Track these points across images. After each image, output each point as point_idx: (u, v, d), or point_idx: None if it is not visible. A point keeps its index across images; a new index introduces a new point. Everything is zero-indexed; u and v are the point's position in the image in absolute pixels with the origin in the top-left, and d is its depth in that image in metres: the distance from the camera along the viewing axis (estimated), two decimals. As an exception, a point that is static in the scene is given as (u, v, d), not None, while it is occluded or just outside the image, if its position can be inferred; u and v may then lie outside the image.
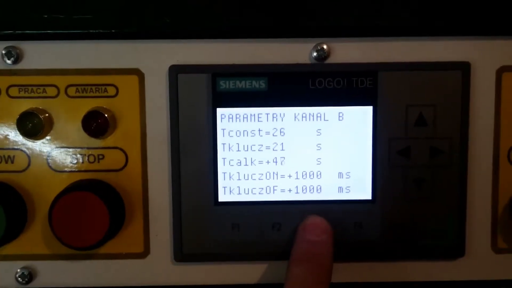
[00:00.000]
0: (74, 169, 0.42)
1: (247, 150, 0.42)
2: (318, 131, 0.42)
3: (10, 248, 0.42)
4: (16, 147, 0.42)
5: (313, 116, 0.41)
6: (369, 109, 0.41)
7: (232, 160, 0.42)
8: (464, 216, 0.42)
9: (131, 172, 0.42)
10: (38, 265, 0.43)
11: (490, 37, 0.41)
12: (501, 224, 0.43)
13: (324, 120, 0.42)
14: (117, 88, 0.41)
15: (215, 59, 0.41)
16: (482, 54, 0.42)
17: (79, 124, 0.41)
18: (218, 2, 0.40)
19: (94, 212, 0.39)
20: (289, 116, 0.41)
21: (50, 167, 0.42)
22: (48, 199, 0.41)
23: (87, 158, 0.42)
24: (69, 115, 0.41)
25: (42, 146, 0.42)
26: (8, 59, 0.41)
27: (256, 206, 0.42)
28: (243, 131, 0.42)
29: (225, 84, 0.41)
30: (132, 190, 0.42)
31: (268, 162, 0.42)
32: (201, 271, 0.43)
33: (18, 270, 0.43)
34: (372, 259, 0.43)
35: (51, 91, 0.41)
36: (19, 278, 0.43)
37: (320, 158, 0.42)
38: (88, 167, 0.42)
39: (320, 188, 0.42)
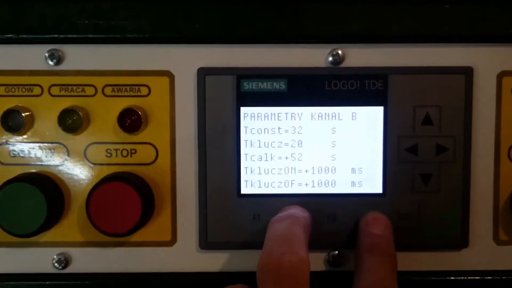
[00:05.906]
0: (108, 162, 0.44)
1: (268, 147, 0.44)
2: (333, 129, 0.44)
3: (48, 236, 0.45)
4: (56, 141, 0.44)
5: (328, 115, 0.44)
6: (380, 109, 0.44)
7: (254, 155, 0.44)
8: (467, 209, 0.44)
9: (161, 166, 0.44)
10: (73, 251, 0.45)
11: (491, 44, 0.44)
12: (502, 217, 0.45)
13: (339, 119, 0.44)
14: (149, 88, 0.44)
15: (239, 62, 0.44)
16: (484, 60, 0.44)
17: (114, 121, 0.43)
18: (244, 10, 0.43)
19: (128, 201, 0.41)
20: (307, 115, 0.44)
21: (87, 160, 0.44)
22: (84, 190, 0.44)
23: (120, 152, 0.44)
24: (105, 112, 0.44)
25: (80, 141, 0.44)
26: (51, 61, 0.43)
27: (275, 198, 0.44)
28: (264, 128, 0.44)
29: (248, 85, 0.44)
30: (162, 182, 0.44)
31: (286, 158, 0.44)
32: (224, 259, 0.45)
33: (55, 256, 0.45)
34: (382, 249, 0.45)
35: (90, 90, 0.44)
36: (56, 264, 0.45)
37: (334, 155, 0.44)
38: (121, 161, 0.44)
39: (335, 182, 0.44)
